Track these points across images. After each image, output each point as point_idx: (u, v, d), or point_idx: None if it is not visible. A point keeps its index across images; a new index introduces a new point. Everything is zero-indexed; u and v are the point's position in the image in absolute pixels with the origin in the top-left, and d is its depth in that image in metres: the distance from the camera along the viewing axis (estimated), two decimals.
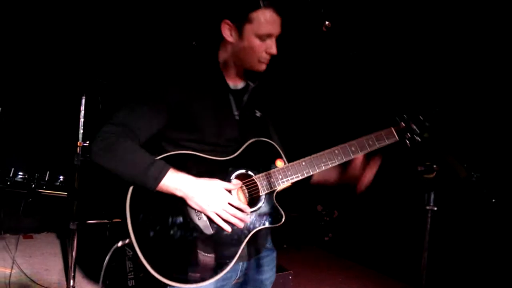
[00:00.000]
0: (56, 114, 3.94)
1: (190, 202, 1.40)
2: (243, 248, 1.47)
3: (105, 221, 3.37)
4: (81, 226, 3.19)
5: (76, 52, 3.86)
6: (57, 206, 3.82)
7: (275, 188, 1.54)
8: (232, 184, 1.49)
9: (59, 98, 3.84)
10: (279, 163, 1.57)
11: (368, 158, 1.66)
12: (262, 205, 1.52)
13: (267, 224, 1.51)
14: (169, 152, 1.47)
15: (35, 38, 3.88)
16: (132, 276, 3.27)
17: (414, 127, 1.62)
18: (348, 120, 5.00)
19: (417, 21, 3.86)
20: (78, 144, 3.16)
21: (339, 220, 5.36)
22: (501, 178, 3.13)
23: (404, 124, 1.63)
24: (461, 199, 3.24)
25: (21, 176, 3.48)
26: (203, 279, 1.37)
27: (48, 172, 3.49)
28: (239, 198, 1.51)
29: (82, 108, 3.21)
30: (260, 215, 1.52)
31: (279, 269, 3.32)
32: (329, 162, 1.56)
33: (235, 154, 1.54)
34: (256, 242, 1.57)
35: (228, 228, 1.44)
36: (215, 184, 1.43)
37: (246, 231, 1.48)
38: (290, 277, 3.48)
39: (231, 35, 1.50)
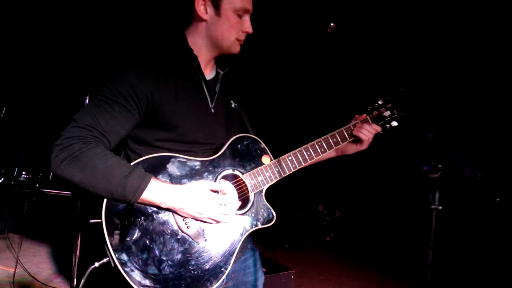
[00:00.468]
0: (60, 113, 3.94)
1: (180, 213, 1.28)
2: (236, 255, 1.38)
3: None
4: (84, 225, 3.19)
5: (80, 51, 3.87)
6: (61, 205, 3.83)
7: (264, 187, 1.46)
8: (219, 185, 1.38)
9: (63, 98, 3.84)
10: (265, 160, 1.49)
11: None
12: (253, 206, 1.44)
13: (259, 225, 1.44)
14: (141, 155, 1.31)
15: (39, 39, 3.90)
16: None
17: (387, 114, 1.64)
18: (324, 108, 4.97)
19: (407, 17, 3.87)
20: None
21: (341, 220, 5.37)
22: (505, 178, 3.13)
23: (376, 112, 1.65)
24: (466, 198, 3.22)
25: (25, 176, 3.49)
26: None
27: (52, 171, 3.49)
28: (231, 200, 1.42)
29: None
30: (252, 216, 1.43)
31: (282, 268, 3.33)
32: (314, 155, 1.53)
33: (219, 153, 1.42)
34: (244, 244, 1.48)
35: (223, 232, 1.34)
36: (202, 188, 1.29)
37: (239, 235, 1.39)
38: (292, 277, 3.49)
39: (205, 12, 1.37)
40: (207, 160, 1.39)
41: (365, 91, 4.30)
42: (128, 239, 1.21)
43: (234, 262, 1.37)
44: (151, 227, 1.25)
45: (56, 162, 1.16)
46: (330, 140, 1.57)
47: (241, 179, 1.43)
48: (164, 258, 1.24)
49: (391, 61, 4.04)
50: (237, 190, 1.43)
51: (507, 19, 3.18)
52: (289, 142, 1.64)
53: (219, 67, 1.56)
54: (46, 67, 3.99)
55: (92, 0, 3.77)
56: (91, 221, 3.34)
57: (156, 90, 1.30)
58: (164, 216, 1.27)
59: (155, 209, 1.27)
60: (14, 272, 3.17)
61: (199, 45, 1.43)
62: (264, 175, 1.46)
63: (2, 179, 3.42)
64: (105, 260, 1.24)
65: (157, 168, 1.29)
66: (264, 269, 1.88)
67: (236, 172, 1.44)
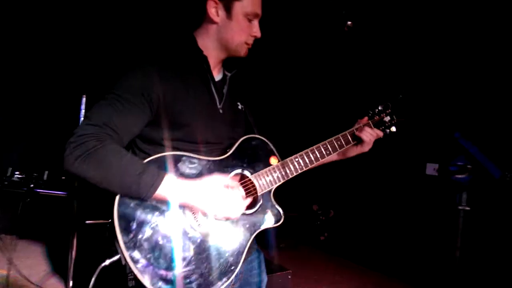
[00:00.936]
0: (55, 113, 3.88)
1: (193, 208, 1.30)
2: (245, 254, 1.40)
3: (105, 221, 3.32)
4: (80, 226, 3.15)
5: (76, 51, 3.81)
6: (55, 206, 3.77)
7: (272, 187, 1.49)
8: (231, 180, 1.41)
9: (58, 97, 3.78)
10: (273, 161, 1.52)
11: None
12: (261, 205, 1.47)
13: (268, 224, 1.47)
14: (150, 154, 1.31)
15: (35, 37, 3.83)
16: (132, 276, 3.25)
17: (387, 119, 1.72)
18: (327, 111, 5.01)
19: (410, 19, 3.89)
20: None
21: (335, 219, 5.40)
22: None
23: (378, 117, 1.72)
24: (496, 198, 3.19)
25: (18, 176, 3.42)
26: None
27: (46, 171, 3.44)
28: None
29: (83, 107, 3.18)
30: (260, 216, 1.46)
31: (279, 268, 3.33)
32: (319, 157, 1.57)
33: (228, 153, 1.44)
34: (251, 245, 1.49)
35: (233, 232, 1.37)
36: (215, 183, 1.31)
37: (248, 234, 1.42)
38: (289, 277, 3.50)
39: (217, 14, 1.39)
40: (216, 160, 1.41)
41: (369, 94, 4.34)
42: (140, 236, 1.21)
43: (243, 261, 1.39)
44: (162, 225, 1.25)
45: (70, 160, 1.15)
46: (335, 143, 1.61)
47: (250, 179, 1.45)
48: (175, 256, 1.25)
49: (399, 63, 4.08)
50: (245, 190, 1.44)
51: None
52: (294, 144, 1.67)
53: (226, 69, 1.57)
54: (42, 66, 3.93)
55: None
56: (87, 222, 3.32)
57: (167, 89, 1.32)
58: (175, 214, 1.28)
59: (166, 207, 1.27)
60: (8, 274, 3.12)
61: (209, 47, 1.45)
62: (272, 175, 1.48)
63: None
64: (115, 257, 1.24)
65: (169, 166, 1.30)
66: None
67: (245, 172, 1.46)
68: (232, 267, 1.35)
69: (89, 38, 3.86)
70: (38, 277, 3.40)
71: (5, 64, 3.74)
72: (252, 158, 1.49)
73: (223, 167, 1.41)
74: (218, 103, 1.47)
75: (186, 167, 1.33)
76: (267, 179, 1.47)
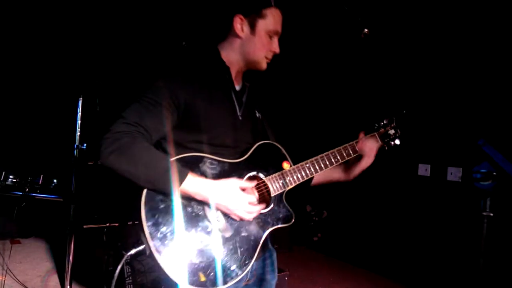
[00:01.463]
0: (51, 115, 3.82)
1: (211, 206, 1.40)
2: (259, 250, 1.50)
3: (102, 225, 3.30)
4: (78, 230, 3.12)
5: (73, 52, 3.76)
6: (50, 210, 3.72)
7: (285, 189, 1.60)
8: (246, 182, 1.50)
9: (55, 100, 3.73)
10: (286, 165, 1.63)
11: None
12: (274, 206, 1.58)
13: (280, 224, 1.57)
14: (173, 154, 1.41)
15: (31, 38, 3.77)
16: (130, 280, 3.22)
17: (391, 132, 1.84)
18: (336, 123, 5.10)
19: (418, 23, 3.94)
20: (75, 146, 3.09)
21: (328, 220, 5.45)
22: None
23: (383, 130, 1.85)
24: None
25: (12, 180, 3.36)
26: (225, 282, 1.38)
27: (42, 175, 3.38)
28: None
29: (79, 110, 3.15)
30: (273, 216, 1.57)
31: None
32: (328, 164, 1.70)
33: (245, 156, 1.56)
34: (265, 243, 1.61)
35: (248, 228, 1.47)
36: (233, 186, 1.42)
37: (261, 232, 1.53)
38: (286, 278, 3.53)
39: (242, 30, 1.54)
40: (234, 162, 1.52)
41: (383, 102, 4.41)
42: (164, 228, 1.32)
43: (256, 257, 1.49)
44: (185, 219, 1.37)
45: (105, 154, 1.27)
46: (343, 151, 1.74)
47: (264, 181, 1.57)
48: (196, 248, 1.36)
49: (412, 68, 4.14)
50: (259, 191, 1.56)
51: None
52: (306, 151, 1.77)
53: (245, 81, 1.73)
54: (38, 68, 3.86)
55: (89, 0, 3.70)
56: (84, 226, 3.28)
57: (193, 96, 1.44)
58: (197, 210, 1.40)
59: (189, 202, 1.39)
60: (4, 280, 3.06)
61: (232, 59, 1.60)
62: (284, 179, 1.60)
63: None
64: (141, 247, 1.34)
65: (191, 165, 1.41)
66: None
67: (260, 175, 1.58)
68: (247, 261, 1.45)
69: (86, 40, 3.82)
70: (34, 283, 3.35)
71: (0, 66, 3.67)
72: (266, 162, 1.60)
73: (240, 169, 1.53)
74: (238, 111, 1.61)
75: (206, 168, 1.45)
76: (280, 182, 1.59)
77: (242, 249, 1.45)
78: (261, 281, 1.67)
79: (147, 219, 1.30)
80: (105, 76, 3.44)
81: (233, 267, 1.41)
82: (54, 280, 3.48)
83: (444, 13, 3.86)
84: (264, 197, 1.57)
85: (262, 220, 1.54)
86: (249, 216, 1.44)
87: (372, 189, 4.71)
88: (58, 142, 3.57)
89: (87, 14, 3.77)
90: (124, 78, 3.58)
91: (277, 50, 1.59)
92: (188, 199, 1.37)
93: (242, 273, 1.42)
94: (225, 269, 1.39)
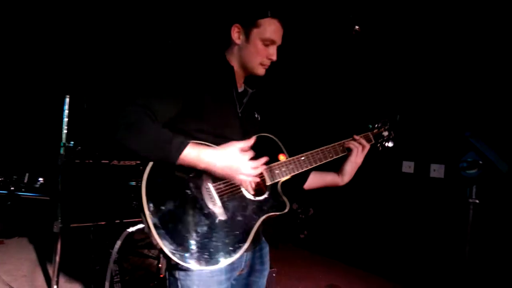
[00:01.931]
0: (38, 113, 3.76)
1: (215, 173, 1.47)
2: (253, 235, 1.55)
3: (89, 224, 3.27)
4: (65, 229, 3.08)
5: (60, 50, 3.71)
6: (36, 209, 3.66)
7: (280, 179, 1.68)
8: (244, 143, 1.56)
9: (42, 97, 3.67)
10: (282, 158, 1.72)
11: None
12: (269, 194, 1.65)
13: (273, 212, 1.62)
14: None
15: (16, 36, 3.70)
16: (119, 279, 3.21)
17: (385, 134, 1.94)
18: (331, 124, 5.16)
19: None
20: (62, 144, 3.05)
21: (314, 218, 5.51)
22: None
23: (377, 130, 1.95)
24: (504, 192, 3.29)
25: None
26: (216, 262, 1.43)
27: (27, 173, 3.33)
28: (248, 188, 1.62)
29: (66, 107, 3.12)
30: (267, 203, 1.63)
31: None
32: (323, 158, 1.79)
33: None
34: (258, 233, 1.67)
35: (243, 213, 1.53)
36: (233, 147, 1.50)
37: (256, 217, 1.58)
38: (274, 275, 3.56)
39: (239, 38, 1.66)
40: None
41: (375, 100, 4.47)
42: (163, 208, 1.40)
43: (249, 245, 1.54)
44: (183, 201, 1.45)
45: (114, 128, 1.38)
46: (337, 147, 1.84)
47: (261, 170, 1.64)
48: (192, 229, 1.42)
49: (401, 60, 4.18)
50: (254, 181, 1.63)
51: None
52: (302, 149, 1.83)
53: (248, 87, 1.83)
54: (24, 65, 3.79)
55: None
56: (71, 225, 3.24)
57: (198, 89, 1.56)
58: (195, 192, 1.48)
59: (188, 184, 1.47)
60: None
61: (233, 64, 1.72)
62: (280, 169, 1.69)
63: None
64: (140, 226, 1.50)
65: None
66: None
67: None
68: (240, 244, 1.50)
69: (73, 38, 3.78)
70: (19, 283, 3.30)
71: None
72: (263, 153, 1.66)
73: None
74: (238, 108, 1.72)
75: None
76: (276, 172, 1.68)
77: (236, 233, 1.50)
78: (253, 271, 1.74)
79: (147, 199, 1.38)
80: (91, 74, 3.41)
81: (226, 248, 1.46)
82: (40, 280, 3.43)
83: (426, 8, 3.94)
84: (259, 186, 1.64)
85: (256, 207, 1.59)
86: (254, 172, 1.51)
87: (358, 187, 4.77)
88: (44, 140, 3.52)
89: (75, 12, 3.73)
90: (111, 76, 3.55)
91: (273, 57, 1.68)
92: (188, 178, 1.46)
93: (235, 255, 1.47)
94: (219, 250, 1.44)
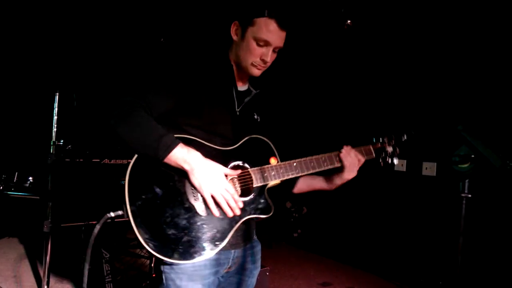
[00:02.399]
0: (27, 111, 3.71)
1: (192, 178, 1.44)
2: (233, 234, 1.52)
3: (80, 223, 3.23)
4: (55, 229, 3.05)
5: (50, 46, 3.66)
6: (25, 208, 3.61)
7: (267, 182, 1.63)
8: (231, 171, 1.55)
9: (31, 95, 3.62)
10: (273, 161, 1.67)
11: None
12: (254, 197, 1.60)
13: (257, 214, 1.58)
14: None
15: (5, 32, 3.64)
16: (110, 279, 3.18)
17: (389, 149, 1.86)
18: (333, 131, 5.15)
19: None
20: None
21: (308, 216, 5.51)
22: None
23: (380, 145, 1.87)
24: (496, 187, 3.27)
25: None
26: (190, 257, 1.41)
27: (16, 173, 3.28)
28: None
29: (56, 105, 3.08)
30: (251, 206, 1.59)
31: None
32: (316, 167, 1.73)
33: (234, 146, 1.62)
34: (246, 231, 1.65)
35: (216, 213, 1.48)
36: (218, 168, 1.48)
37: (237, 218, 1.54)
38: (267, 274, 3.55)
39: (236, 34, 1.66)
40: (222, 149, 1.59)
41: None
42: (144, 197, 1.40)
43: (228, 240, 1.50)
44: (165, 192, 1.45)
45: (107, 118, 1.41)
46: (333, 157, 1.76)
47: (248, 171, 1.61)
48: (170, 221, 1.41)
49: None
50: (243, 179, 1.60)
51: None
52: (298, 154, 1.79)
53: (254, 87, 1.78)
54: (11, 62, 3.74)
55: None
56: (62, 225, 3.21)
57: (195, 84, 1.57)
58: (178, 185, 1.47)
59: (173, 177, 1.47)
60: None
61: (233, 62, 1.72)
62: (269, 173, 1.64)
63: None
64: (120, 212, 1.42)
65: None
66: None
67: (246, 165, 1.62)
68: (217, 242, 1.48)
69: (62, 34, 3.73)
70: (9, 283, 3.25)
71: None
72: (254, 155, 1.65)
73: (226, 156, 1.59)
74: (236, 107, 1.70)
75: (195, 149, 1.49)
76: (264, 174, 1.63)
77: (214, 231, 1.48)
78: (242, 269, 1.70)
79: (129, 183, 1.39)
80: (82, 71, 3.37)
81: (202, 245, 1.44)
82: (30, 280, 3.39)
83: (415, 2, 3.95)
84: (246, 187, 1.61)
85: (237, 210, 1.54)
86: (224, 204, 1.46)
87: (351, 185, 4.77)
88: (34, 138, 3.47)
89: (64, 9, 3.69)
90: (102, 73, 3.52)
91: (265, 58, 1.62)
92: (172, 172, 1.45)
93: (210, 253, 1.45)
94: (194, 246, 1.43)
